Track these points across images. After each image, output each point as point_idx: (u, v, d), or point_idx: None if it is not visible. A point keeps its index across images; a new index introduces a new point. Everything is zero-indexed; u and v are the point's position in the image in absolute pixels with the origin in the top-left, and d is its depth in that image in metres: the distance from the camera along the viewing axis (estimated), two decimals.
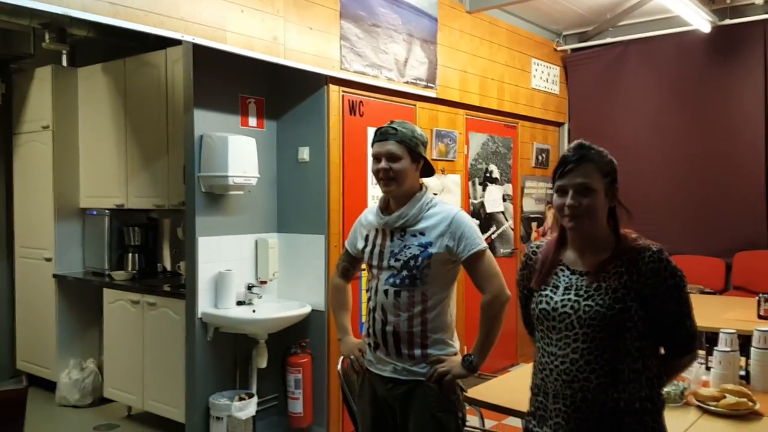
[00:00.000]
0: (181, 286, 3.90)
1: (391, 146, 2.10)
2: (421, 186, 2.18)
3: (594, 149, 1.65)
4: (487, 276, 2.09)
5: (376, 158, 2.13)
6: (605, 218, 1.66)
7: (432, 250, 2.07)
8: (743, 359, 2.44)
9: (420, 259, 2.07)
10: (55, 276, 4.60)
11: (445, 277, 2.12)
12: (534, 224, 5.83)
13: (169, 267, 4.67)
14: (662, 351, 1.68)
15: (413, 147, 2.11)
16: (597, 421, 1.58)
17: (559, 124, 6.24)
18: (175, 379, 3.79)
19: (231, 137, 3.60)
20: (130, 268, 4.52)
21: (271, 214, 4.10)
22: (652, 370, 1.62)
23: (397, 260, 2.10)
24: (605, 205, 1.64)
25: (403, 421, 2.11)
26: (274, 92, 4.06)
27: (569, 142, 6.14)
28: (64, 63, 4.76)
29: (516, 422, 3.72)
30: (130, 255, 4.56)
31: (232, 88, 3.84)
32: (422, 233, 2.10)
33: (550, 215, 5.98)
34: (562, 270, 1.71)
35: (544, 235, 5.87)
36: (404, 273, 2.08)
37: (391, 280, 2.10)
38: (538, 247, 1.80)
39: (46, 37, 4.17)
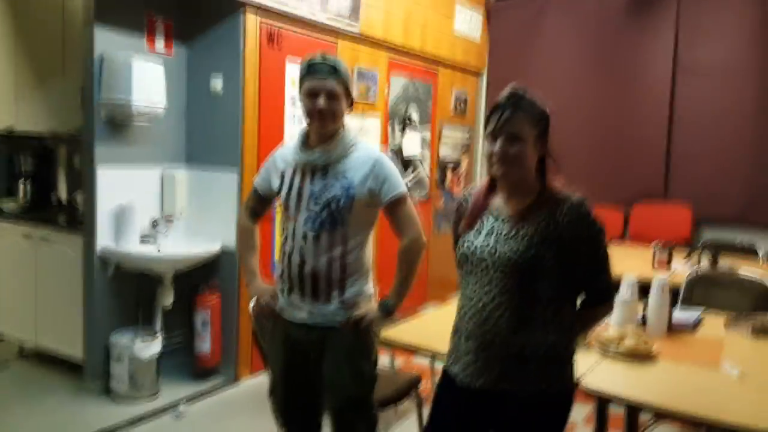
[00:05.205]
0: (78, 220, 3.64)
1: (333, 84, 1.98)
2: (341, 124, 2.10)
3: (526, 98, 1.63)
4: (407, 221, 2.07)
5: (313, 94, 1.99)
6: (534, 167, 1.65)
7: (355, 192, 2.01)
8: (640, 305, 2.58)
9: (342, 200, 2.00)
10: None
11: (365, 219, 2.07)
12: (449, 170, 5.87)
13: (64, 198, 4.35)
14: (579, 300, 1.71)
15: (349, 86, 2.04)
16: (502, 362, 1.62)
17: (478, 74, 6.24)
18: (72, 316, 3.58)
19: (136, 60, 3.32)
20: (21, 197, 4.18)
21: (179, 146, 3.87)
22: (564, 319, 1.64)
23: (317, 202, 2.02)
24: (534, 154, 1.63)
25: (317, 364, 2.08)
26: (185, 14, 3.77)
27: (487, 92, 6.19)
28: None
29: (423, 360, 3.81)
30: (21, 183, 4.21)
31: (138, 3, 3.52)
32: (344, 174, 2.02)
33: (465, 163, 6.04)
34: (488, 215, 1.71)
35: (458, 181, 5.94)
36: (324, 215, 2.01)
37: (310, 223, 2.02)
38: (470, 193, 1.80)
39: None
